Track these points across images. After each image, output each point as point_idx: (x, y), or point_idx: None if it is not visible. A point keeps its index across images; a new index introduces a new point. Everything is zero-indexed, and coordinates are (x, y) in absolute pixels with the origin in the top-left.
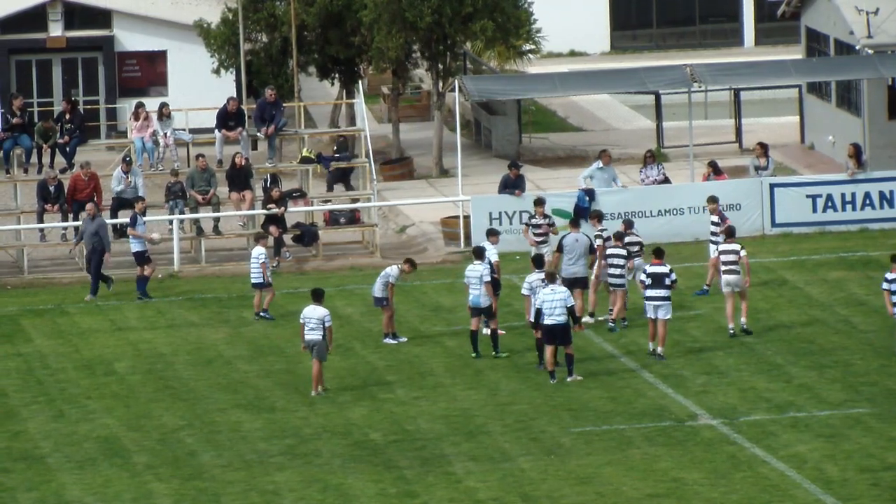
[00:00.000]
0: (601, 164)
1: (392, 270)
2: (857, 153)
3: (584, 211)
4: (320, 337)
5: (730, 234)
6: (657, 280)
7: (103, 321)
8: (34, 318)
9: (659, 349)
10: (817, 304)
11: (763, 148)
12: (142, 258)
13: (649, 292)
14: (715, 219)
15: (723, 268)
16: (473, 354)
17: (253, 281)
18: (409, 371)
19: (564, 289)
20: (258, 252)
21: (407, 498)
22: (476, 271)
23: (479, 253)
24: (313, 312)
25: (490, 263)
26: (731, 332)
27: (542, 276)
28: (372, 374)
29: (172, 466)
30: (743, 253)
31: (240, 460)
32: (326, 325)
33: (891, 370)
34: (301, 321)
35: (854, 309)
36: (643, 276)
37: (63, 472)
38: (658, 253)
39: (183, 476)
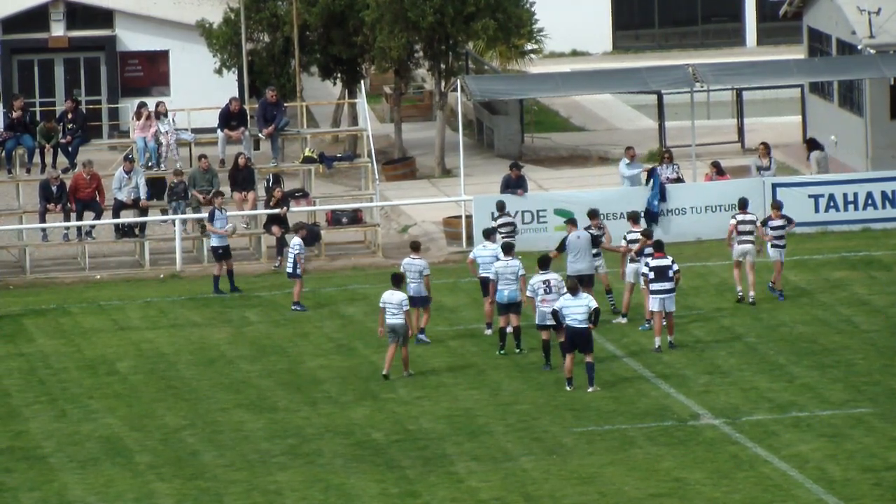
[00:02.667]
0: (627, 161)
1: (423, 262)
2: (766, 151)
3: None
4: (402, 321)
5: (743, 206)
6: (661, 273)
7: (106, 321)
8: (36, 317)
9: (669, 338)
10: (819, 303)
11: (766, 148)
12: (221, 253)
13: (654, 286)
14: (778, 223)
15: (739, 238)
16: (503, 352)
17: (287, 271)
18: (412, 370)
19: (587, 295)
20: (294, 243)
21: (409, 498)
22: (512, 266)
23: (508, 248)
24: (392, 297)
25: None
26: (740, 294)
27: (545, 277)
28: (374, 373)
29: (175, 466)
30: (759, 223)
31: (242, 460)
32: (405, 308)
33: (893, 370)
34: (381, 306)
35: (856, 309)
36: (645, 270)
37: (65, 471)
38: (658, 246)
39: (185, 476)
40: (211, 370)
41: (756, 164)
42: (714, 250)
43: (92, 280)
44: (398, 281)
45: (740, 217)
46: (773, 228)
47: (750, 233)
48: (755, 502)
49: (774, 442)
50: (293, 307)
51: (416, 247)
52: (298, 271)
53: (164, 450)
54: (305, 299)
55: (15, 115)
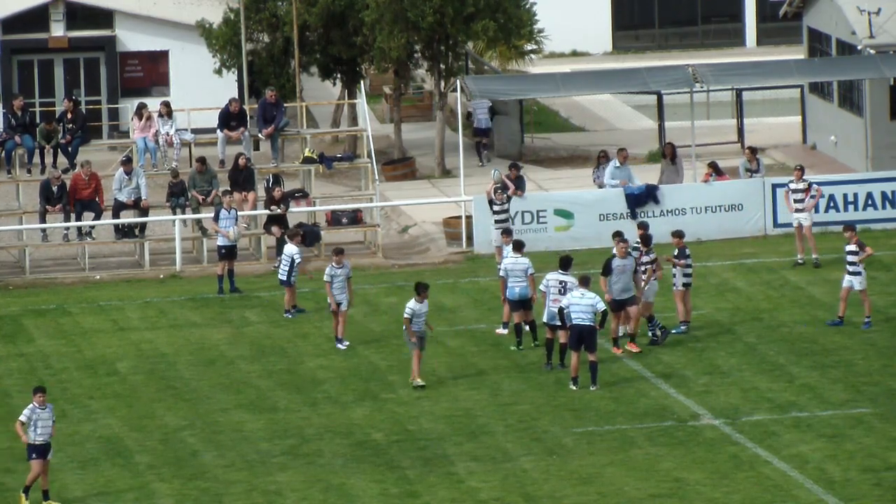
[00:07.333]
0: (618, 164)
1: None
2: (753, 155)
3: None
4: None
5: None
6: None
7: (105, 321)
8: (36, 318)
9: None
10: (819, 304)
11: (752, 152)
12: (224, 253)
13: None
14: (852, 248)
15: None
16: (520, 347)
17: (281, 279)
18: (411, 371)
19: (594, 294)
20: (293, 252)
21: (409, 498)
22: (521, 264)
23: (519, 246)
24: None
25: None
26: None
27: (563, 278)
28: (374, 374)
29: (174, 466)
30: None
31: (242, 460)
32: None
33: (893, 370)
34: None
35: (856, 309)
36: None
37: (65, 471)
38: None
39: (185, 476)
40: (211, 370)
41: (745, 166)
42: (714, 250)
43: (92, 280)
44: (422, 290)
45: (793, 185)
46: (848, 253)
47: (800, 200)
48: (755, 502)
49: (774, 442)
50: (286, 314)
51: (338, 251)
52: (293, 279)
53: (164, 450)
54: (305, 298)
55: (16, 104)
